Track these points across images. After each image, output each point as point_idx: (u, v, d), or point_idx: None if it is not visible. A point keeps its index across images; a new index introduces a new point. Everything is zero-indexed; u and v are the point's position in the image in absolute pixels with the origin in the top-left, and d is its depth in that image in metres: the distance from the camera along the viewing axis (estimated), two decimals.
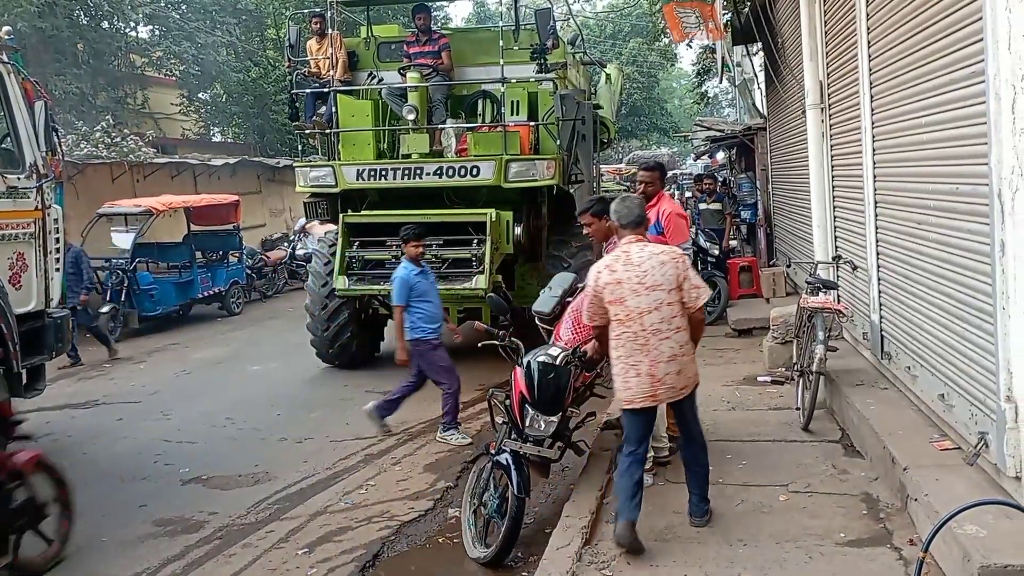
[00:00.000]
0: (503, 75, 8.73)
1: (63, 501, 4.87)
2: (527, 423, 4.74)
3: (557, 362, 4.78)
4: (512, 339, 5.07)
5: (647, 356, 4.24)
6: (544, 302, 5.85)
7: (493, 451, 4.74)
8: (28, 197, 6.57)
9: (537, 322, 6.02)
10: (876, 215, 6.14)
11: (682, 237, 5.51)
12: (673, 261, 4.32)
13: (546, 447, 4.78)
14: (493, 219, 8.42)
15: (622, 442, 4.66)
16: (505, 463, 4.61)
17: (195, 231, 14.64)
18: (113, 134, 16.98)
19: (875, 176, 6.11)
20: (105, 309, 12.00)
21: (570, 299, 5.62)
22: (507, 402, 4.88)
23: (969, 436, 4.39)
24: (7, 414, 5.17)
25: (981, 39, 3.92)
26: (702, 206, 12.49)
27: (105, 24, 20.89)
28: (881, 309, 6.18)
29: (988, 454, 4.11)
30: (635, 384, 4.27)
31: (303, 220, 16.04)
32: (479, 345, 5.28)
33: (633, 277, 4.26)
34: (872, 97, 6.05)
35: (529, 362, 4.79)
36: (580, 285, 5.77)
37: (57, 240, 6.96)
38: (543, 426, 4.73)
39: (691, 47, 20.10)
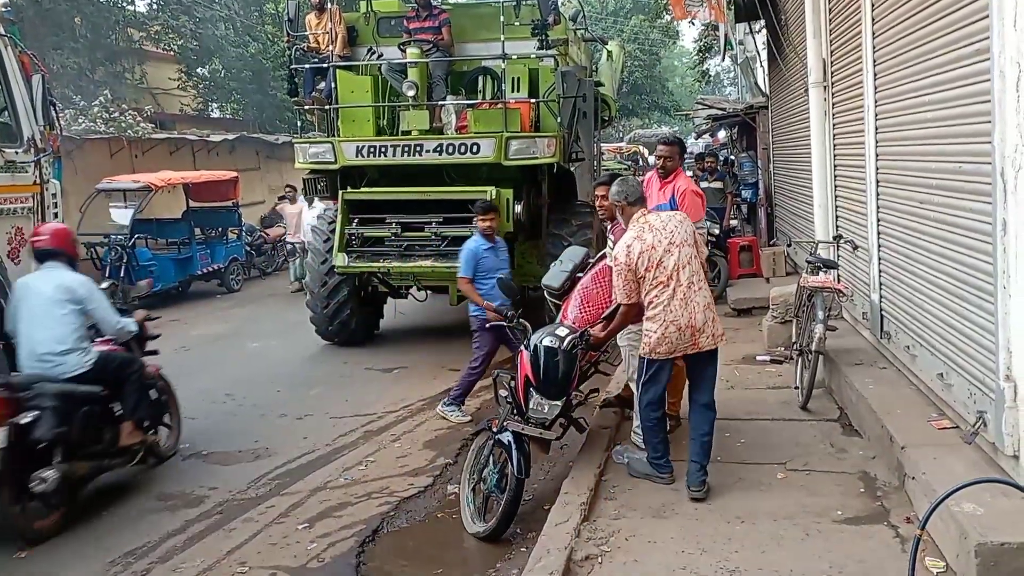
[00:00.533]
0: (504, 51, 8.65)
1: (174, 404, 6.26)
2: (531, 406, 4.74)
3: (563, 345, 4.74)
4: (520, 320, 5.05)
5: (687, 310, 4.54)
6: (554, 276, 5.79)
7: (495, 428, 4.75)
8: (26, 171, 6.54)
9: (546, 295, 6.00)
10: (878, 194, 6.11)
11: (697, 215, 5.50)
12: (685, 219, 4.78)
13: (548, 428, 4.80)
14: (493, 197, 8.38)
15: (640, 408, 4.80)
16: (506, 443, 4.63)
17: (194, 207, 14.58)
18: (111, 109, 16.87)
19: (877, 155, 6.08)
20: (104, 285, 11.91)
21: (580, 274, 5.57)
22: (512, 383, 4.88)
23: (967, 415, 4.41)
24: (145, 332, 6.07)
25: (986, 16, 3.88)
26: (703, 185, 12.43)
27: None
28: (881, 289, 6.18)
29: (986, 433, 4.12)
30: (675, 337, 4.55)
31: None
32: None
33: (663, 239, 4.59)
34: (876, 75, 6.01)
35: (536, 346, 4.75)
36: (591, 260, 5.76)
37: (56, 215, 6.94)
38: (547, 409, 4.75)
39: (693, 24, 19.96)
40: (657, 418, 4.83)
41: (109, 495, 5.46)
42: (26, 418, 4.69)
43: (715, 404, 4.80)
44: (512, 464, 4.56)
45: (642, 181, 5.43)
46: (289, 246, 15.27)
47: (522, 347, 4.90)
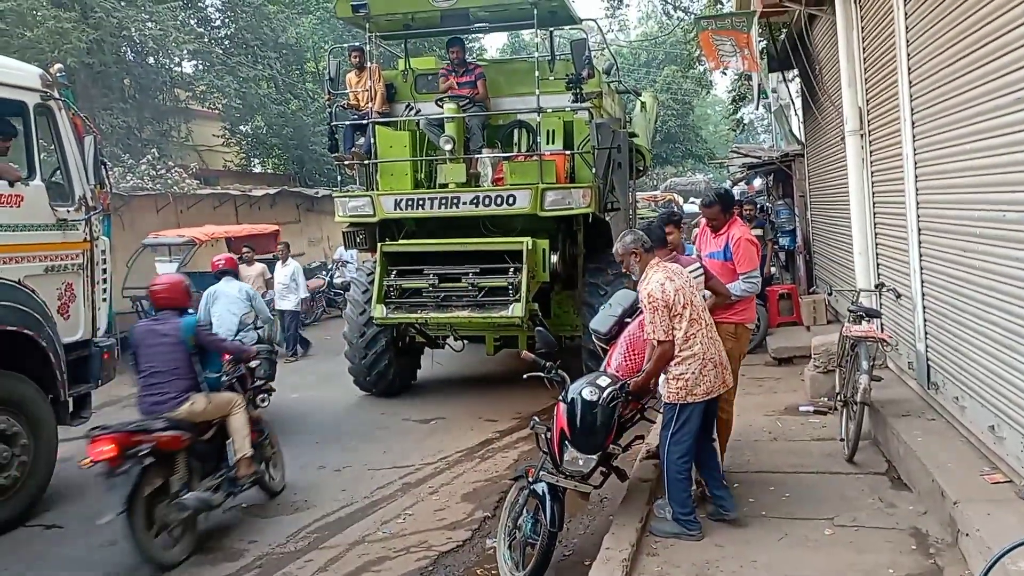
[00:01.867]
0: (539, 104, 8.80)
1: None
2: (565, 458, 4.66)
3: (602, 399, 4.63)
4: (559, 371, 5.02)
5: (716, 347, 4.74)
6: (602, 321, 5.67)
7: (531, 477, 4.70)
8: (77, 229, 6.76)
9: (593, 339, 5.95)
10: (920, 242, 6.04)
11: (751, 265, 5.50)
12: (688, 271, 5.00)
13: (585, 481, 4.74)
14: (529, 247, 8.44)
15: (668, 461, 4.79)
16: (541, 493, 4.57)
17: None
18: (158, 166, 17.40)
19: (918, 203, 6.02)
20: None
21: (628, 320, 5.47)
22: (548, 435, 4.82)
23: (1021, 469, 4.28)
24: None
25: None
26: None
27: (151, 60, 21.49)
28: (927, 338, 6.06)
29: None
30: (712, 375, 4.68)
31: (341, 249, 15.35)
32: (524, 376, 5.23)
33: (688, 281, 4.81)
34: (914, 124, 5.98)
35: (574, 399, 4.65)
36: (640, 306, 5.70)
37: (104, 271, 7.13)
38: (581, 463, 4.66)
39: (726, 74, 20.10)
40: (688, 471, 4.80)
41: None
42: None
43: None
44: (545, 516, 4.49)
45: (694, 230, 5.49)
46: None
47: (560, 399, 4.84)
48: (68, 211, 6.66)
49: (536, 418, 5.07)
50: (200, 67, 23.30)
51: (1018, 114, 4.08)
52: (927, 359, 6.07)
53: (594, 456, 4.69)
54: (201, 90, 22.84)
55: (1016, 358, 4.34)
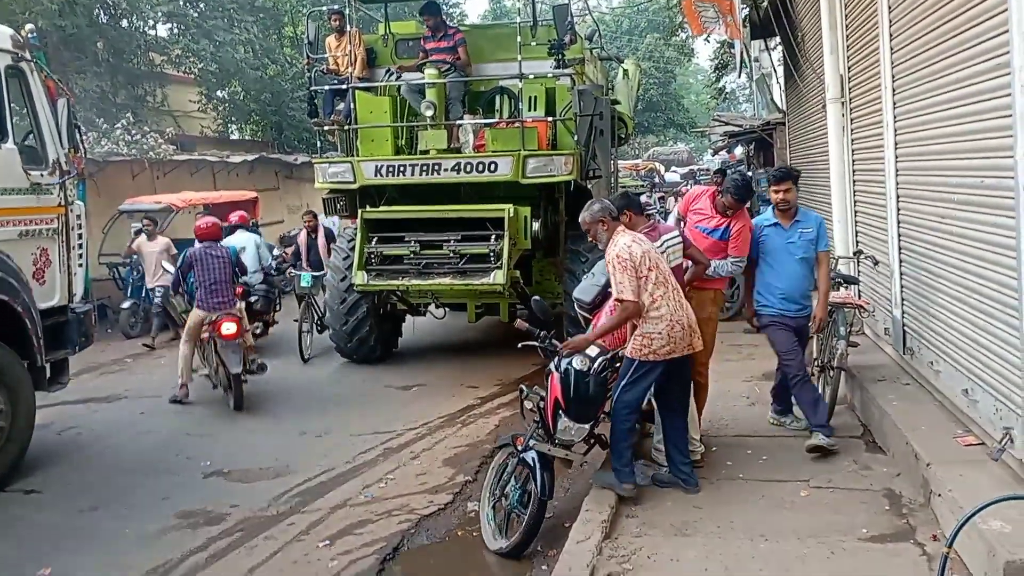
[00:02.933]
0: (520, 71, 8.71)
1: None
2: (559, 427, 4.71)
3: (593, 369, 4.69)
4: (552, 340, 5.04)
5: (684, 310, 4.77)
6: (585, 290, 5.67)
7: (519, 446, 4.74)
8: (51, 193, 6.64)
9: (576, 309, 5.97)
10: (898, 209, 6.09)
11: (744, 251, 5.57)
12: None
13: (573, 450, 4.82)
14: (511, 215, 8.41)
15: (615, 408, 4.85)
16: (531, 462, 4.62)
17: None
18: (133, 132, 17.09)
19: (897, 170, 6.06)
20: (126, 305, 12.11)
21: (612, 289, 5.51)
22: (540, 404, 4.86)
23: (994, 431, 4.36)
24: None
25: (1006, 31, 3.88)
26: None
27: (124, 22, 20.98)
28: (903, 304, 6.14)
29: (1013, 449, 4.08)
30: (679, 336, 4.72)
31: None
32: (519, 346, 5.27)
33: (651, 247, 4.85)
34: (894, 91, 6.01)
35: (567, 369, 4.69)
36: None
37: (80, 236, 7.04)
38: (574, 432, 4.73)
39: (708, 42, 20.03)
40: (632, 423, 4.93)
41: (130, 513, 5.49)
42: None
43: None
44: (536, 485, 4.54)
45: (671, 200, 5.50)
46: (155, 296, 11.60)
47: (552, 368, 4.86)
48: (42, 175, 6.54)
49: (524, 386, 5.10)
50: (175, 30, 22.79)
51: (996, 80, 4.10)
52: (903, 325, 6.15)
53: (586, 426, 4.76)
54: (176, 54, 22.38)
55: (990, 323, 4.41)
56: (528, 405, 5.00)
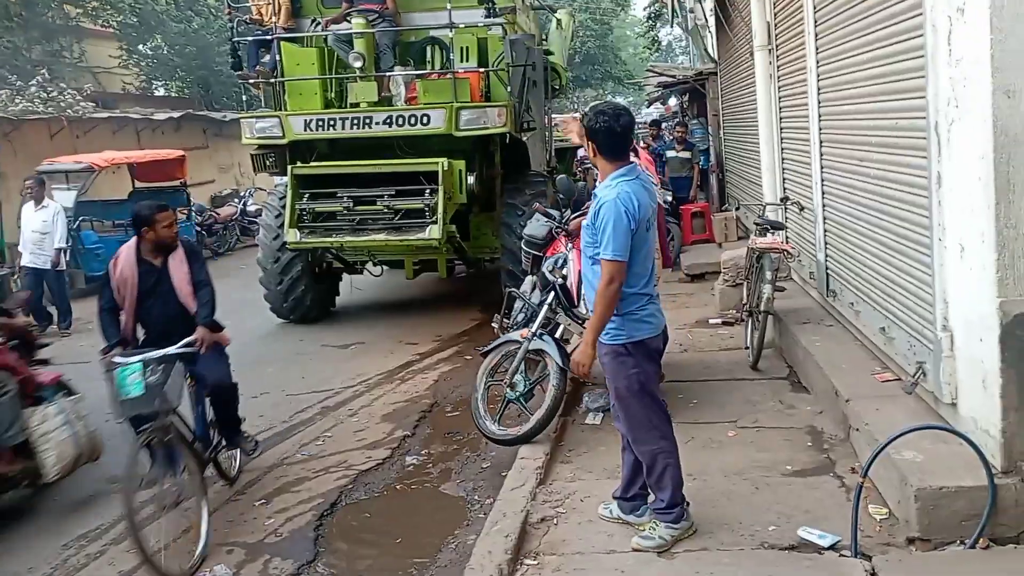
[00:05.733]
0: (451, 20, 8.54)
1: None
2: (582, 301, 5.07)
3: None
4: (568, 220, 5.44)
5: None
6: (536, 228, 5.82)
7: (524, 338, 5.07)
8: None
9: (524, 248, 6.07)
10: (821, 154, 6.20)
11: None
12: None
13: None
14: (445, 168, 8.32)
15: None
16: (547, 341, 5.05)
17: (140, 188, 14.23)
18: (49, 89, 16.37)
19: (820, 115, 6.16)
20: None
21: (578, 217, 5.35)
22: (562, 282, 5.26)
23: (908, 367, 4.53)
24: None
25: None
26: (670, 154, 12.51)
27: None
28: (826, 248, 6.30)
29: (926, 383, 4.24)
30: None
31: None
32: (479, 351, 5.53)
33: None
34: (817, 36, 6.08)
35: None
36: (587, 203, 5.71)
37: None
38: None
39: None
40: None
41: (58, 482, 5.35)
42: None
43: None
44: (556, 359, 4.95)
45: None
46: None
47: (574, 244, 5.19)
48: None
49: (512, 290, 5.67)
50: None
51: (911, 20, 4.17)
52: (826, 268, 6.32)
53: None
54: (93, 6, 21.39)
55: (905, 261, 4.55)
56: (518, 305, 5.58)
